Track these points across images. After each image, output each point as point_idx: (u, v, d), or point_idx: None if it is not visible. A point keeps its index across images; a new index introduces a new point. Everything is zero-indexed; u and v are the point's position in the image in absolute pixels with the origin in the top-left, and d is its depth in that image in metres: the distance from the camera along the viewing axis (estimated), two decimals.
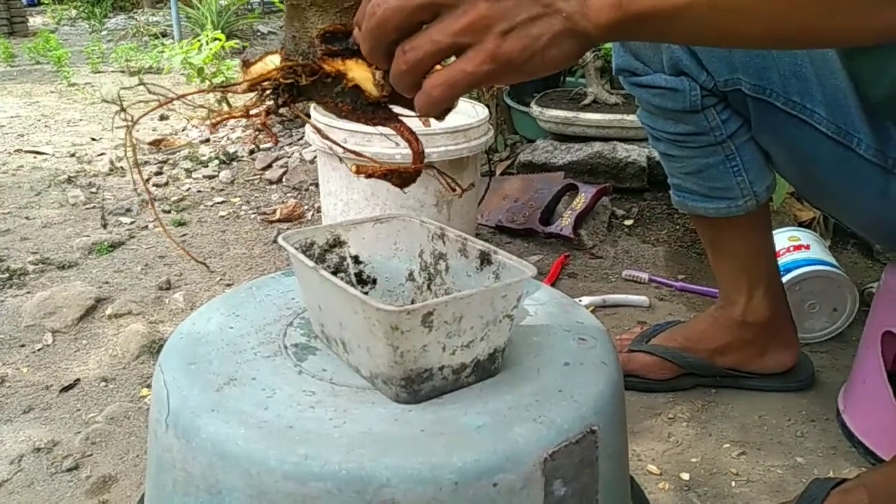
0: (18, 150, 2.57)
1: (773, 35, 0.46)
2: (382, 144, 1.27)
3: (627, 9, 0.44)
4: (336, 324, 0.58)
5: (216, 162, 2.33)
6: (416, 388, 0.54)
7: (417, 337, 0.51)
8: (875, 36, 0.45)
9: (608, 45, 1.92)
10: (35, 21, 7.19)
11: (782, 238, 1.29)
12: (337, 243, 0.68)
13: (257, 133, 2.58)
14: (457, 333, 0.53)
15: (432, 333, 0.52)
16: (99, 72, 4.42)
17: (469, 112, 1.46)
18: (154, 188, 2.13)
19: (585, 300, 1.37)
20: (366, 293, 0.66)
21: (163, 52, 4.21)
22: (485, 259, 0.62)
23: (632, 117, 1.81)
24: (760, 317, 1.05)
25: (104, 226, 1.62)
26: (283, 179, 2.14)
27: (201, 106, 0.55)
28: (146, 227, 1.83)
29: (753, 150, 0.96)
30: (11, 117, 3.14)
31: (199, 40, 2.94)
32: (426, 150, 1.29)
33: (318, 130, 0.58)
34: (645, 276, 1.49)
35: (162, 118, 3.12)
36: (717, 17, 0.44)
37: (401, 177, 0.56)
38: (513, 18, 0.43)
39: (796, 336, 1.10)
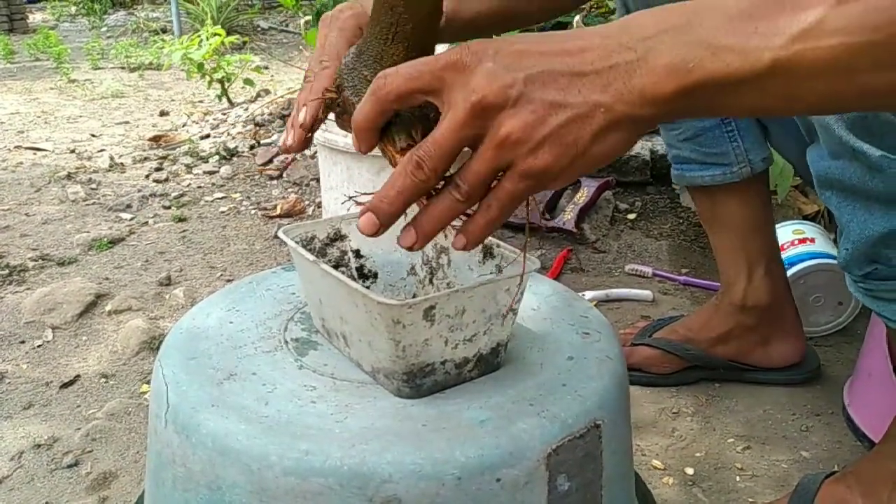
0: (18, 147, 2.56)
1: (874, 96, 0.39)
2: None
3: (691, 75, 0.38)
4: (337, 318, 0.58)
5: (216, 157, 2.33)
6: (418, 382, 0.53)
7: (419, 331, 0.51)
8: None
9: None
10: (35, 18, 7.19)
11: (787, 231, 1.28)
12: (338, 237, 0.67)
13: (258, 128, 2.58)
14: (459, 327, 0.53)
15: (434, 327, 0.51)
16: (99, 68, 4.41)
17: None
18: (154, 184, 2.12)
19: (588, 294, 1.37)
20: (367, 287, 0.65)
21: (162, 47, 4.21)
22: (487, 252, 0.61)
23: None
24: (761, 300, 1.05)
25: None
26: (284, 175, 2.13)
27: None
28: (146, 223, 1.83)
29: (751, 121, 0.99)
30: (11, 114, 3.13)
31: (198, 36, 2.92)
32: None
33: None
34: (648, 270, 1.48)
35: (162, 114, 3.11)
36: (808, 79, 0.38)
37: None
38: (541, 132, 0.40)
39: (801, 327, 1.10)
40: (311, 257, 0.57)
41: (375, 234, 0.45)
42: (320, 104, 0.53)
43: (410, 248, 0.46)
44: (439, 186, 0.44)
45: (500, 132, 0.40)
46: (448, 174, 0.44)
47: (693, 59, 0.38)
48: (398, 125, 0.46)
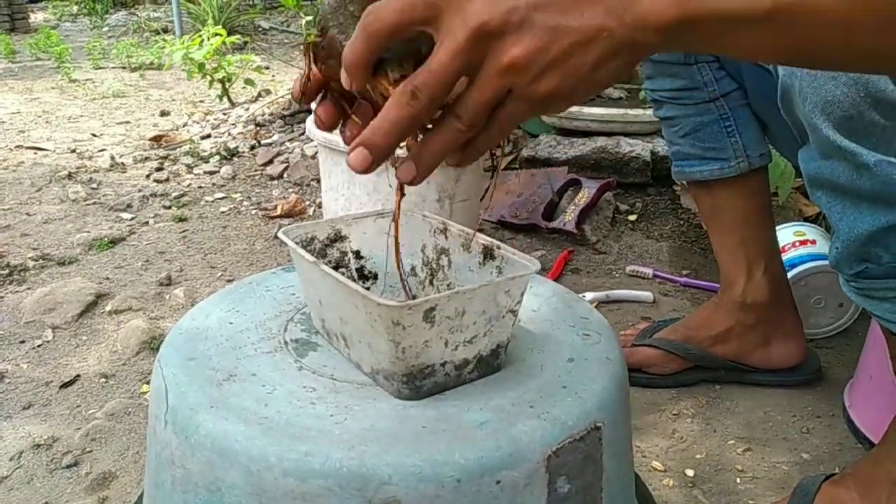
0: (19, 147, 2.56)
1: (870, 58, 0.39)
2: None
3: (691, 6, 0.38)
4: (337, 319, 0.58)
5: (217, 157, 2.33)
6: (418, 384, 0.53)
7: (419, 332, 0.50)
8: None
9: None
10: (36, 17, 7.19)
11: (788, 233, 1.28)
12: (338, 238, 0.67)
13: (258, 128, 2.57)
14: (459, 329, 0.52)
15: (434, 329, 0.51)
16: (100, 68, 4.41)
17: None
18: (155, 184, 2.12)
19: (589, 296, 1.36)
20: (367, 288, 0.65)
21: (164, 47, 4.21)
22: (488, 254, 0.61)
23: (635, 111, 1.80)
24: (761, 297, 1.05)
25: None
26: (285, 175, 2.13)
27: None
28: (146, 222, 1.83)
29: (749, 117, 1.01)
30: (12, 113, 3.13)
31: (200, 36, 2.92)
32: None
33: None
34: (649, 271, 1.48)
35: (163, 114, 3.11)
36: (806, 29, 0.37)
37: None
38: (545, 58, 0.39)
39: (801, 328, 1.09)
40: (311, 258, 0.56)
41: (366, 170, 0.43)
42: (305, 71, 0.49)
43: (410, 183, 0.44)
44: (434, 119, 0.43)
45: (503, 59, 0.39)
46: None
47: None
48: (390, 60, 0.44)
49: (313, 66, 0.48)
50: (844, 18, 0.36)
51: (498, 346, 0.56)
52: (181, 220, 1.84)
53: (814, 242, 1.26)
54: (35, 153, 2.48)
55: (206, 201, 1.98)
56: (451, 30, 0.39)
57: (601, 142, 1.78)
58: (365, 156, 0.42)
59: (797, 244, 1.26)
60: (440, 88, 0.40)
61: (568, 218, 1.61)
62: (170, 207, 1.93)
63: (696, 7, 0.38)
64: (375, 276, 0.69)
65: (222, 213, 1.90)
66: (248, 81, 3.00)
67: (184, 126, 2.85)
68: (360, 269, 0.68)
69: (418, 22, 0.40)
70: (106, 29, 6.35)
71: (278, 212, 1.86)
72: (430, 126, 0.43)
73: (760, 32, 0.38)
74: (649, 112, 1.73)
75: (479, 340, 0.54)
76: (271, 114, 2.73)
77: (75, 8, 7.50)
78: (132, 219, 1.85)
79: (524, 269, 0.55)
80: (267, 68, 3.82)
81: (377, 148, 0.42)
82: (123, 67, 4.40)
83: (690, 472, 0.93)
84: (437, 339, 0.52)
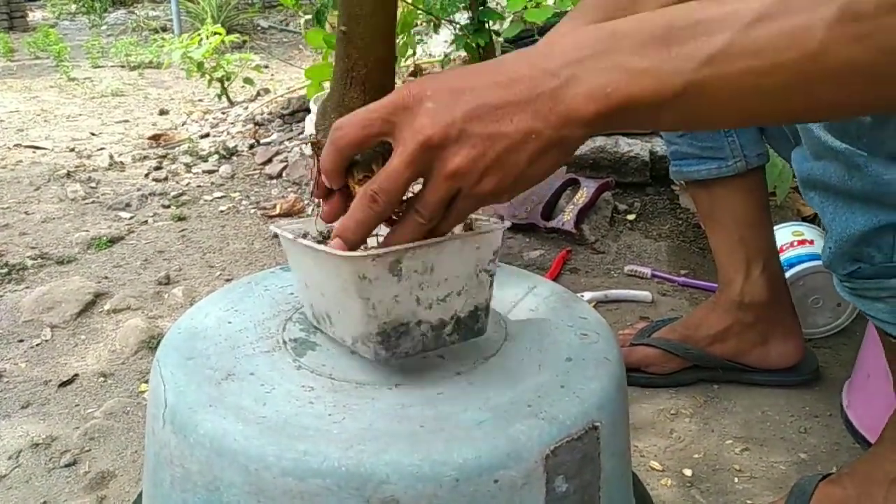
0: (18, 145, 2.56)
1: (786, 113, 0.43)
2: None
3: (609, 99, 0.42)
4: (319, 296, 0.58)
5: (216, 156, 2.33)
6: (394, 343, 0.53)
7: (387, 286, 0.51)
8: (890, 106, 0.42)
9: None
10: (35, 16, 7.19)
11: (786, 233, 1.28)
12: (331, 234, 0.67)
13: (257, 127, 2.57)
14: (429, 285, 0.53)
15: (403, 283, 0.52)
16: (99, 66, 4.41)
17: None
18: (153, 183, 2.12)
19: (587, 295, 1.37)
20: None
21: (162, 46, 4.21)
22: (467, 229, 0.61)
23: None
24: (759, 296, 1.05)
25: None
26: (284, 174, 2.13)
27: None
28: (145, 221, 1.83)
29: None
30: (11, 112, 3.13)
31: (198, 34, 2.92)
32: None
33: None
34: (647, 271, 1.48)
35: (161, 113, 3.11)
36: (720, 100, 0.41)
37: None
38: (483, 162, 0.44)
39: (799, 327, 1.10)
40: (290, 235, 0.57)
41: None
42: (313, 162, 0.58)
43: None
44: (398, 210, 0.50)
45: (447, 167, 0.45)
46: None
47: (610, 84, 0.42)
48: (359, 162, 0.51)
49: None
50: (754, 86, 0.39)
51: (476, 309, 0.56)
52: (180, 219, 1.84)
53: (812, 242, 1.26)
54: (34, 152, 2.48)
55: (205, 200, 1.98)
56: (403, 141, 0.45)
57: (600, 141, 1.78)
58: (342, 245, 0.50)
59: (795, 244, 1.26)
60: (395, 193, 0.47)
61: (566, 217, 1.61)
62: (168, 206, 1.93)
63: (614, 100, 0.42)
64: None
65: (221, 212, 1.90)
66: (247, 80, 3.00)
67: (182, 125, 2.85)
68: None
69: (377, 135, 0.47)
70: (105, 27, 6.35)
71: (277, 211, 1.86)
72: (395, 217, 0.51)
73: (678, 110, 0.42)
74: None
75: (453, 299, 0.54)
76: (270, 113, 2.73)
77: (74, 6, 7.49)
78: (131, 218, 1.85)
79: (492, 226, 0.56)
80: (266, 67, 3.82)
81: (350, 241, 0.49)
82: (122, 66, 4.40)
83: (688, 472, 0.93)
84: (406, 294, 0.52)
